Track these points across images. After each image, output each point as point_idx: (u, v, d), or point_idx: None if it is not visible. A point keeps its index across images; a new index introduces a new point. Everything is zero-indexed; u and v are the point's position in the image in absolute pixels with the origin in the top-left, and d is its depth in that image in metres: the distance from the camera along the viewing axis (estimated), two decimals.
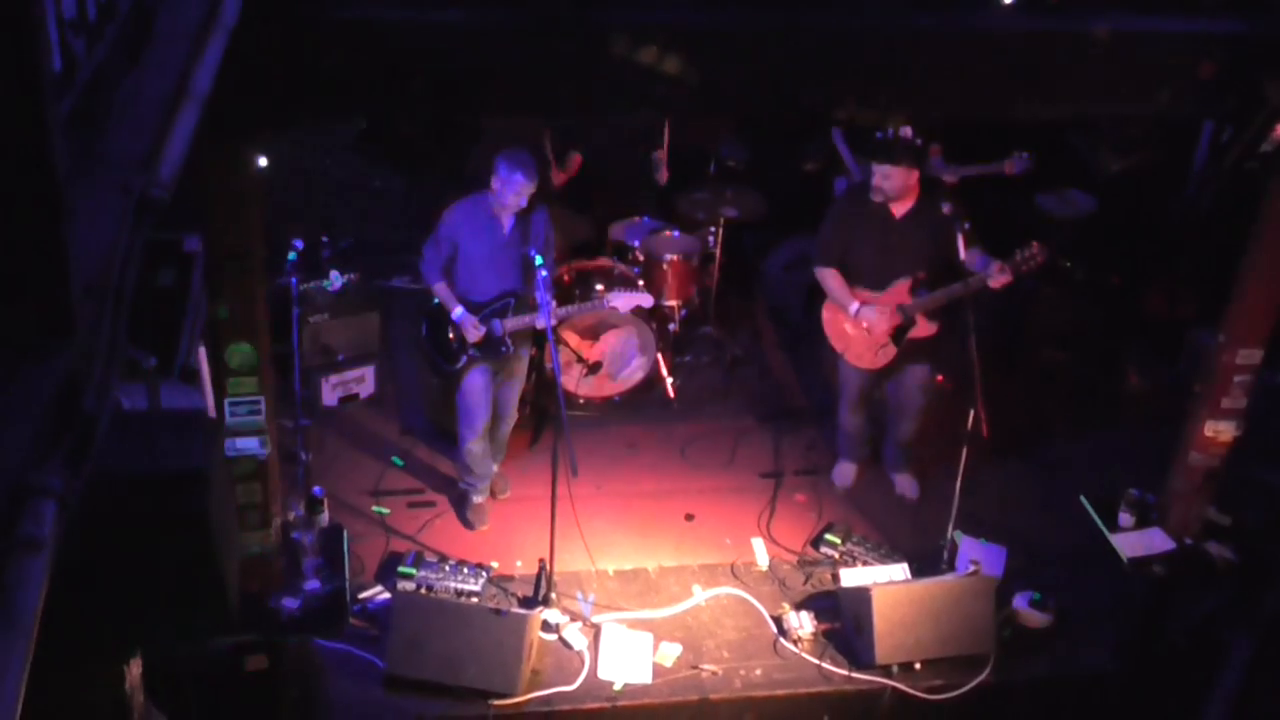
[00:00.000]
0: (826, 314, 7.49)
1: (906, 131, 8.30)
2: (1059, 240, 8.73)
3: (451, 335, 7.10)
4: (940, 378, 8.50)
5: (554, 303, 6.88)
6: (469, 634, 6.38)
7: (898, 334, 7.23)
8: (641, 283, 8.32)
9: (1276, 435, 7.42)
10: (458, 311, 7.03)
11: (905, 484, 7.99)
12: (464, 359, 7.12)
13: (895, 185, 6.98)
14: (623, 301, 7.28)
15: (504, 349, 7.08)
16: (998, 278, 6.78)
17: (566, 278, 8.13)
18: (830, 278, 7.29)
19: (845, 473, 8.03)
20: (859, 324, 7.26)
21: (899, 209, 7.05)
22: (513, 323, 7.02)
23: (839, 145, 8.90)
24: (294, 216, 8.54)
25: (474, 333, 7.01)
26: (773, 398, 8.76)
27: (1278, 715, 6.70)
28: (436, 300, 7.15)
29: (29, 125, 2.13)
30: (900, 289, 7.15)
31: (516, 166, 6.77)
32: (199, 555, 2.66)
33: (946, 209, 6.82)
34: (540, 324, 6.84)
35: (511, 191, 6.78)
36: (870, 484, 8.03)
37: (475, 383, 7.22)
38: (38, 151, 2.15)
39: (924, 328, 7.20)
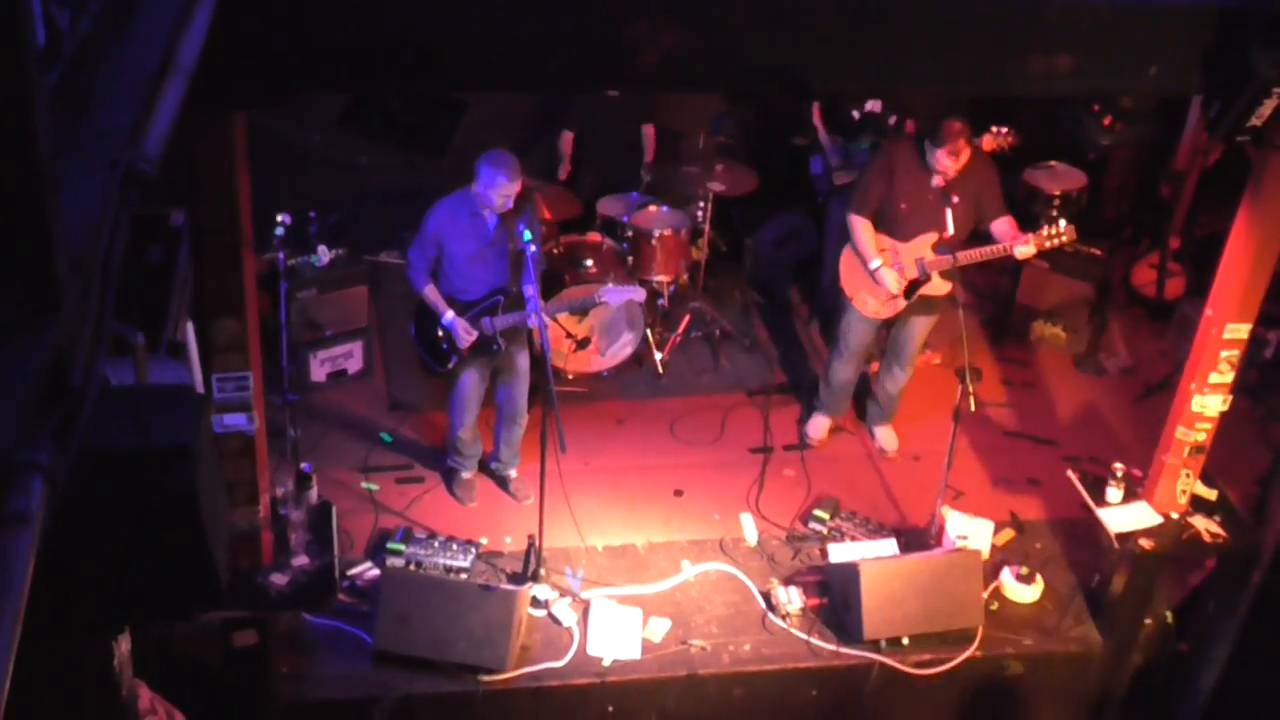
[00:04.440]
0: (845, 259, 7.51)
1: (876, 107, 8.34)
2: (1046, 214, 8.75)
3: (441, 335, 7.03)
4: (930, 352, 8.57)
5: (542, 301, 6.81)
6: (458, 610, 6.38)
7: (910, 289, 7.31)
8: (631, 259, 8.31)
9: None
10: (448, 317, 6.93)
11: (885, 437, 8.07)
12: (455, 359, 7.07)
13: (962, 163, 7.02)
14: (615, 297, 7.21)
15: (495, 347, 7.02)
16: (1023, 249, 6.94)
17: (555, 252, 8.11)
18: (861, 228, 7.31)
19: (820, 426, 8.09)
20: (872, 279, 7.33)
21: (946, 174, 7.11)
22: (503, 321, 6.94)
23: (816, 122, 8.89)
24: (281, 191, 8.50)
25: (466, 338, 6.94)
26: (762, 373, 8.75)
27: (1263, 688, 6.74)
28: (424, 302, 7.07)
29: (13, 100, 2.11)
30: (924, 243, 7.22)
31: (499, 168, 6.61)
32: (187, 531, 2.66)
33: (997, 206, 7.04)
34: (531, 323, 6.81)
35: (496, 193, 6.64)
36: (858, 459, 8.04)
37: (468, 381, 7.18)
38: (23, 126, 2.14)
39: (937, 286, 7.30)
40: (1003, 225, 7.13)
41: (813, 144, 9.09)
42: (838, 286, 7.60)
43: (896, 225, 7.28)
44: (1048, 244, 6.93)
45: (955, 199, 7.08)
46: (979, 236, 7.25)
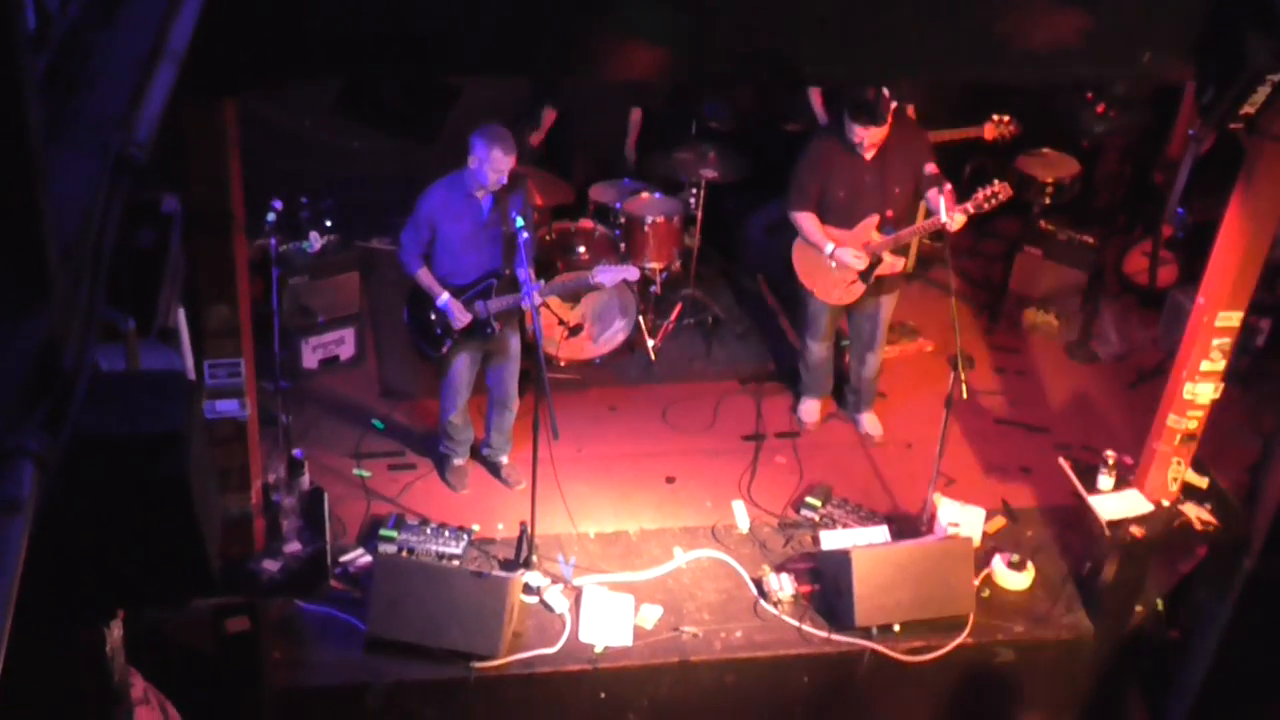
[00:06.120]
0: (797, 253, 7.65)
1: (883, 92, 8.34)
2: (1041, 202, 8.77)
3: (434, 319, 7.03)
4: (922, 339, 8.57)
5: (539, 281, 6.84)
6: (450, 596, 6.38)
7: (866, 271, 7.42)
8: (623, 245, 8.30)
9: None
10: (443, 299, 6.92)
11: (869, 423, 8.12)
12: (449, 343, 7.06)
13: (879, 142, 7.18)
14: (608, 277, 7.19)
15: (489, 330, 7.02)
16: (954, 219, 6.95)
17: (547, 239, 8.10)
18: (806, 220, 7.46)
19: (812, 409, 8.18)
20: (831, 263, 7.43)
21: (870, 151, 7.22)
22: (497, 304, 6.94)
23: (816, 106, 8.91)
24: (273, 176, 8.47)
25: (461, 320, 6.94)
26: (754, 360, 8.76)
27: (1253, 676, 6.76)
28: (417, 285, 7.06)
29: (4, 84, 2.10)
30: (868, 226, 7.35)
31: (493, 142, 6.58)
32: (179, 517, 2.65)
33: (930, 169, 6.97)
34: (525, 305, 6.80)
35: (491, 169, 6.62)
36: (850, 447, 8.05)
37: (460, 365, 7.18)
38: (13, 111, 2.13)
39: (890, 264, 7.43)
40: (937, 195, 7.13)
41: (810, 128, 9.08)
42: (797, 281, 7.70)
43: (840, 215, 7.40)
44: (985, 206, 7.00)
45: (893, 172, 7.22)
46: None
